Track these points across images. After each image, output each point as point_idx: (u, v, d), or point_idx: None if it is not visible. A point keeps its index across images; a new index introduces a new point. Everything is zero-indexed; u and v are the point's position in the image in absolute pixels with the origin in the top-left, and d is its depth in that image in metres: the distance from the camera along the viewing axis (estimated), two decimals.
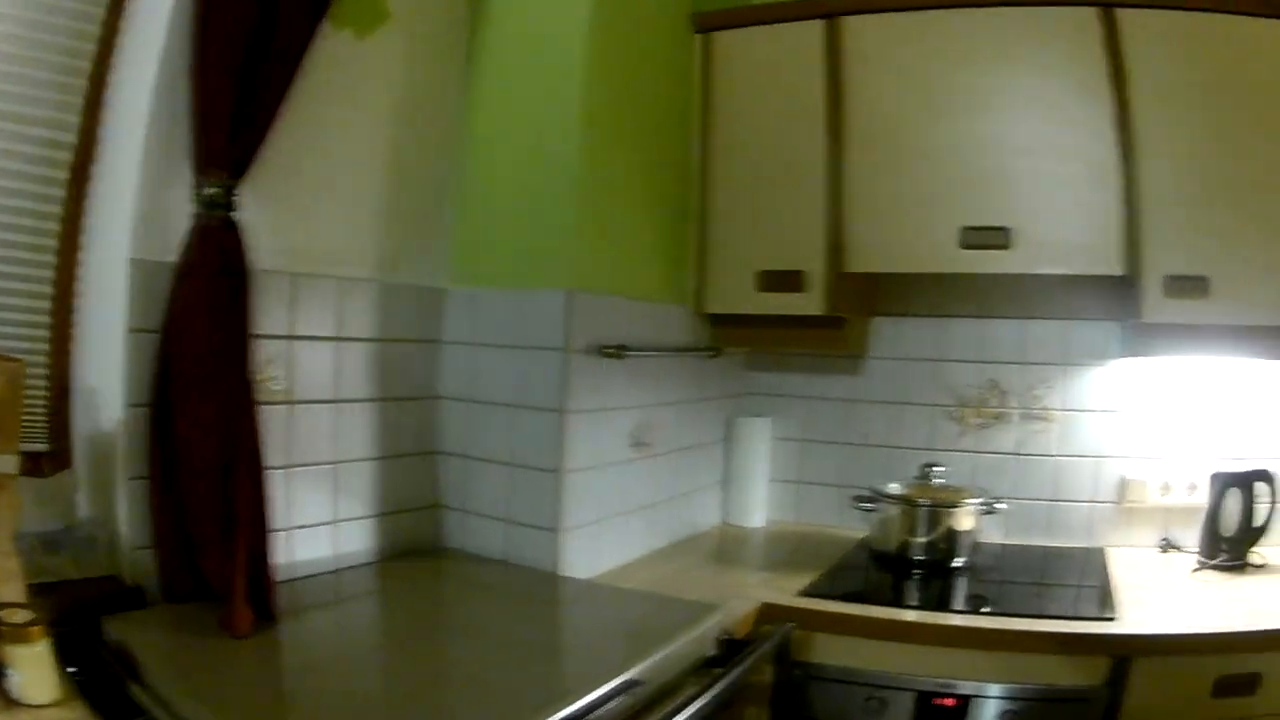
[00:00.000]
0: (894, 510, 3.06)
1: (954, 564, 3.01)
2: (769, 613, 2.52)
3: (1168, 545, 3.23)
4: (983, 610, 2.66)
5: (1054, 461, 3.39)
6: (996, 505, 3.05)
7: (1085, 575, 2.99)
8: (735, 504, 3.65)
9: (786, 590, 2.67)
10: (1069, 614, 2.53)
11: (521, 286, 2.70)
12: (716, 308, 3.26)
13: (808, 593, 2.67)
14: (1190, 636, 2.38)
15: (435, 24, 2.80)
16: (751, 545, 3.40)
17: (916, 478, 3.17)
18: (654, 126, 3.06)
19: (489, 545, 2.77)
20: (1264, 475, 2.94)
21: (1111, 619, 2.46)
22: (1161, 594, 2.75)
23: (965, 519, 3.01)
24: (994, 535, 3.27)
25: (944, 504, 3.01)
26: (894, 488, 3.11)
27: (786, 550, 3.32)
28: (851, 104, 3.04)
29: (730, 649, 2.22)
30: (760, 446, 3.64)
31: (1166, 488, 3.25)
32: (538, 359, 2.65)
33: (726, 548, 3.35)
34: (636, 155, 2.96)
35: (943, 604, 2.74)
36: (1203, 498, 3.07)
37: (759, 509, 3.65)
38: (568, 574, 2.63)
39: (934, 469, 3.14)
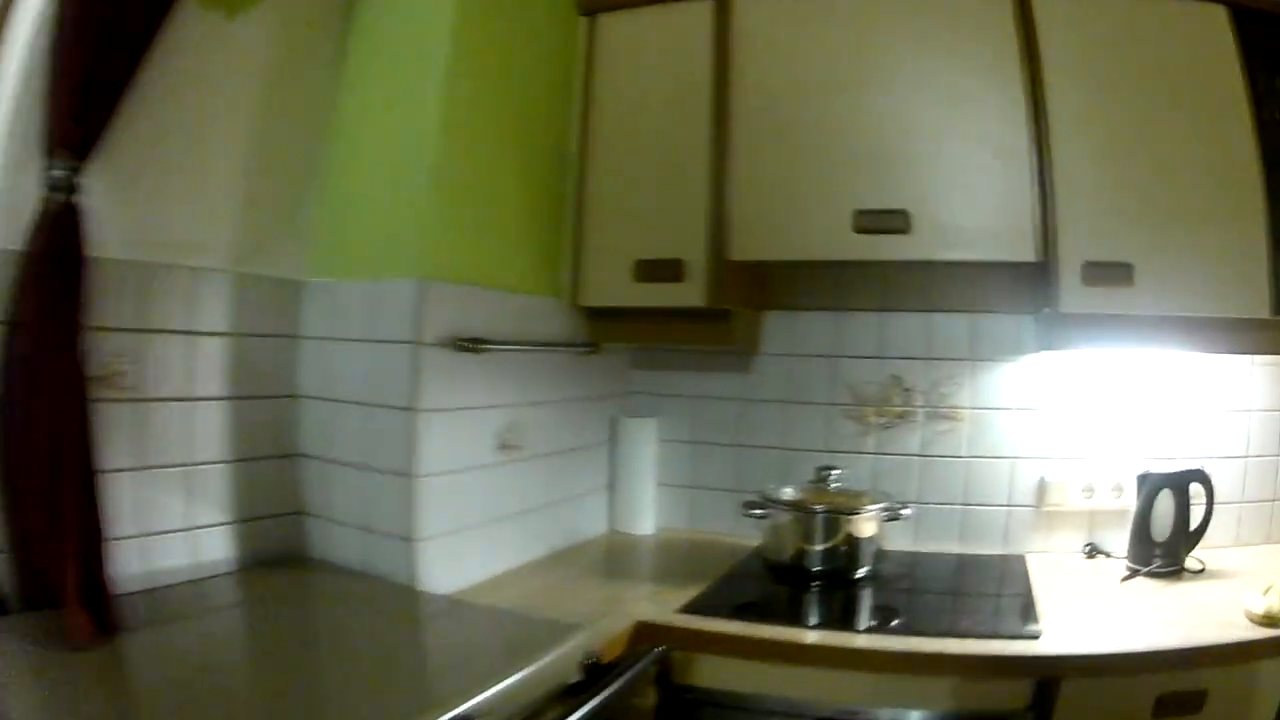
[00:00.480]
0: (787, 517, 2.82)
1: (857, 575, 2.78)
2: (645, 632, 2.32)
3: (1094, 550, 3.06)
4: (891, 626, 2.46)
5: (965, 463, 3.21)
6: (902, 511, 2.82)
7: (1004, 584, 2.83)
8: (622, 510, 3.45)
9: (669, 605, 2.46)
10: (988, 630, 2.33)
11: (376, 277, 2.55)
12: (593, 300, 3.03)
13: (689, 609, 2.46)
14: (1125, 655, 2.18)
15: (310, 4, 2.66)
16: (638, 555, 3.20)
17: (812, 481, 2.94)
18: (531, 110, 2.92)
19: (349, 555, 2.58)
20: (1199, 475, 2.79)
21: (1036, 636, 2.26)
22: (1091, 605, 2.56)
23: (867, 525, 2.77)
24: (901, 542, 3.09)
25: (842, 510, 2.77)
26: (787, 492, 2.88)
27: (675, 560, 3.13)
28: (740, 84, 2.88)
29: (594, 674, 2.01)
30: (646, 449, 3.43)
31: (1090, 490, 3.09)
32: (389, 354, 2.48)
33: (610, 557, 3.16)
34: (509, 140, 2.81)
35: (845, 620, 2.56)
36: (1130, 500, 2.92)
37: (647, 515, 3.44)
38: (427, 588, 2.44)
39: (831, 472, 2.92)
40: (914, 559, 3.08)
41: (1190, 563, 2.79)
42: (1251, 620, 2.27)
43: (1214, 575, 2.74)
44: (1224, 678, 2.20)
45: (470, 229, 2.64)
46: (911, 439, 3.25)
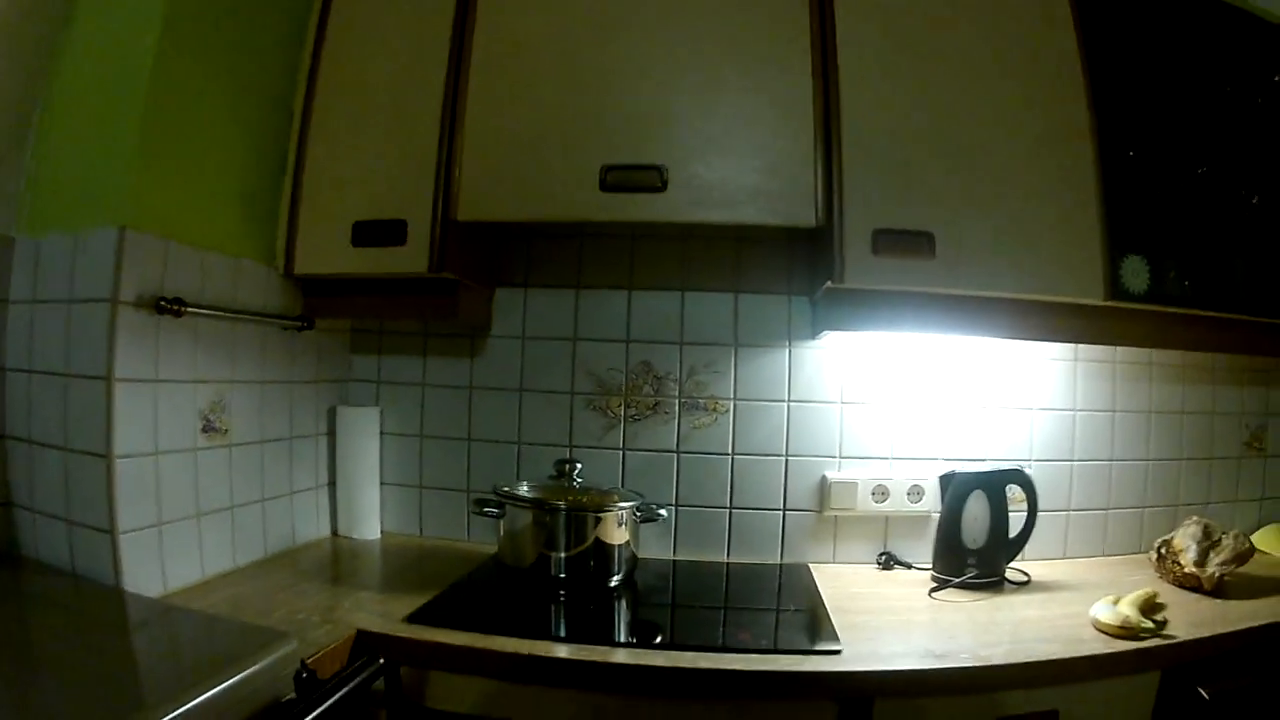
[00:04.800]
0: (526, 517, 2.49)
1: (610, 583, 2.50)
2: (367, 643, 2.03)
3: (890, 560, 2.81)
4: (655, 642, 2.13)
5: (730, 461, 2.91)
6: (658, 511, 2.58)
7: (789, 597, 2.54)
8: (344, 511, 3.05)
9: (395, 614, 2.16)
10: (774, 646, 2.05)
11: (77, 227, 2.21)
12: (307, 267, 2.66)
13: (417, 618, 2.14)
14: (950, 671, 1.92)
15: None
16: (362, 560, 2.81)
17: (552, 477, 2.66)
18: (254, 46, 2.60)
19: (55, 551, 2.23)
20: (1017, 476, 2.62)
21: (837, 651, 1.99)
22: (897, 617, 2.30)
23: (617, 527, 2.49)
24: (659, 550, 2.88)
25: (586, 508, 2.48)
26: (524, 489, 2.58)
27: (402, 566, 2.75)
28: (483, 27, 2.56)
29: (309, 689, 1.72)
30: (368, 442, 3.05)
31: (883, 493, 2.83)
32: (85, 315, 2.17)
33: (332, 563, 2.76)
34: (228, 76, 2.49)
35: (601, 634, 2.20)
36: (932, 504, 2.76)
37: (371, 518, 3.06)
38: (133, 589, 2.13)
39: (572, 466, 2.64)
40: (675, 568, 2.81)
41: (1012, 574, 2.61)
42: (1103, 631, 2.10)
43: (1043, 587, 2.56)
44: (1079, 696, 1.98)
45: (179, 175, 2.32)
46: (666, 433, 2.95)
